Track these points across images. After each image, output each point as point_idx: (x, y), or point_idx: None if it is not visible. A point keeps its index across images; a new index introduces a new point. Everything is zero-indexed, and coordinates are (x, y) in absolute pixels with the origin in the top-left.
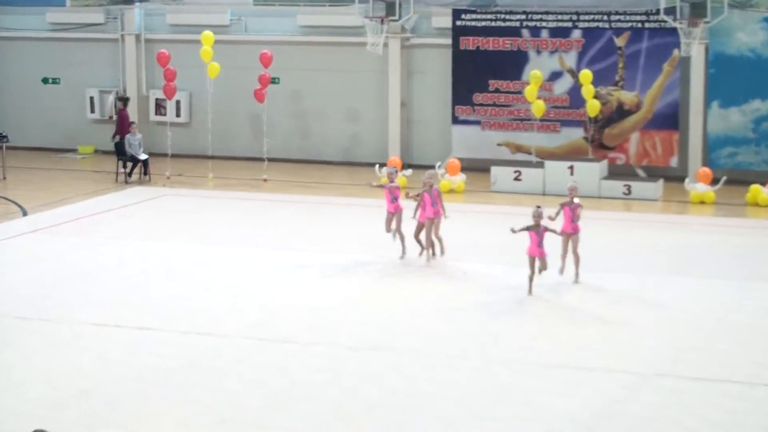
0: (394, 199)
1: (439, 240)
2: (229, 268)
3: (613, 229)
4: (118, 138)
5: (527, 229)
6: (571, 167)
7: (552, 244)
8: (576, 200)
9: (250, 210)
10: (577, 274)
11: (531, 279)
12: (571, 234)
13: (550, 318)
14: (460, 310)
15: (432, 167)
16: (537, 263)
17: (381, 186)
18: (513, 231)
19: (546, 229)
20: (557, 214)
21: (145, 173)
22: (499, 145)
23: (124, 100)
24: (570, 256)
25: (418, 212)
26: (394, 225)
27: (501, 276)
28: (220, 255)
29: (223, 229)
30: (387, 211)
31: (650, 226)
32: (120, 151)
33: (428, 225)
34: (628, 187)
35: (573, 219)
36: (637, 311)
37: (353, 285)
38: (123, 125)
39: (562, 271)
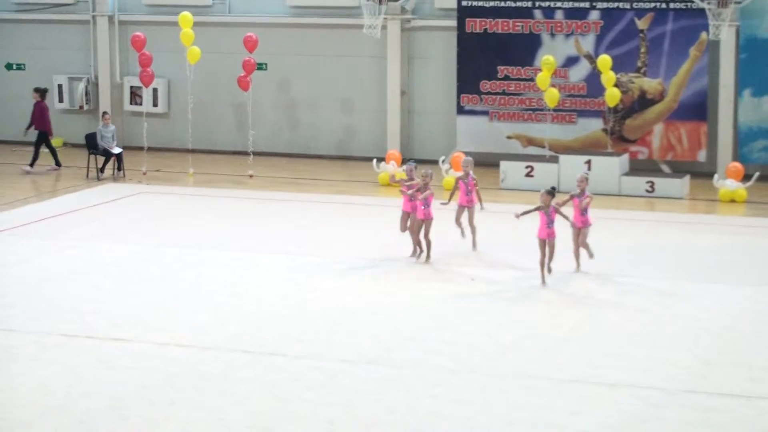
0: (422, 203)
1: (473, 231)
2: (211, 274)
3: (634, 230)
4: (28, 132)
5: (537, 209)
6: (589, 162)
7: (562, 242)
8: (586, 192)
9: (235, 209)
10: (578, 265)
11: (543, 265)
12: (581, 228)
13: (564, 328)
14: (466, 320)
15: (437, 161)
16: (547, 248)
17: (400, 182)
18: (517, 216)
19: (556, 210)
20: (564, 204)
21: (119, 169)
22: (508, 137)
23: (41, 92)
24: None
25: (451, 199)
26: (421, 233)
27: (510, 282)
28: (201, 259)
29: (204, 230)
30: (402, 210)
31: (675, 226)
32: (91, 145)
33: (427, 225)
34: (651, 184)
35: (582, 212)
36: (661, 320)
37: (348, 292)
38: (40, 118)
39: (578, 268)
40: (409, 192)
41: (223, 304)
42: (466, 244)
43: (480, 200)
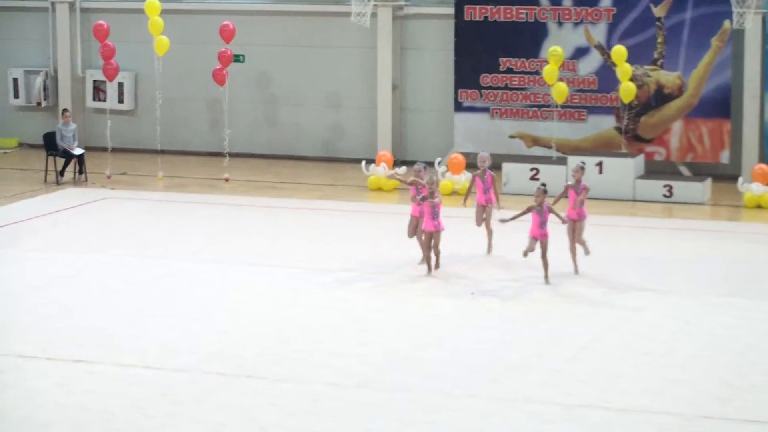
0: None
1: (489, 233)
2: (183, 287)
3: (650, 238)
4: None
5: (528, 210)
6: (600, 164)
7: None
8: (582, 182)
9: (209, 216)
10: (576, 267)
11: (526, 254)
12: (576, 220)
13: (572, 348)
14: (466, 338)
15: (432, 163)
16: (537, 246)
17: (394, 176)
18: (504, 221)
19: (550, 210)
20: (560, 197)
21: (81, 171)
22: (511, 137)
23: None
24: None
25: (468, 199)
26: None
27: (514, 298)
28: (172, 271)
29: (175, 239)
30: (411, 215)
31: (695, 235)
32: (50, 145)
33: (436, 237)
34: (669, 188)
35: (577, 204)
36: (679, 339)
37: (335, 307)
38: None
39: (576, 271)
40: (419, 198)
41: (197, 321)
42: (477, 250)
43: (497, 199)
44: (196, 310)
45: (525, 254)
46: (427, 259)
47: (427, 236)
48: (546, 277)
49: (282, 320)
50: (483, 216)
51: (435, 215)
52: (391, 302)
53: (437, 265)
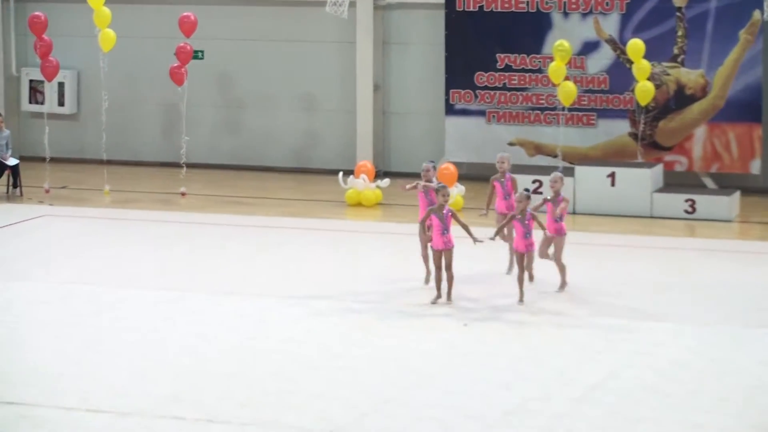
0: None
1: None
2: (132, 319)
3: (670, 262)
4: None
5: (511, 219)
6: (612, 175)
7: None
8: (561, 194)
9: (163, 236)
10: (563, 283)
11: (521, 281)
12: (554, 236)
13: (582, 388)
14: (458, 377)
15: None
16: (525, 260)
17: (415, 187)
18: (476, 241)
19: (534, 218)
20: (538, 209)
21: (15, 185)
22: (511, 144)
23: None
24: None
25: (489, 209)
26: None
27: (513, 329)
28: (120, 299)
29: (124, 263)
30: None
31: (723, 257)
32: None
33: (447, 256)
34: (692, 203)
35: (556, 218)
36: (703, 377)
37: (308, 342)
38: None
39: (531, 279)
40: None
41: (149, 358)
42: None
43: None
44: (148, 344)
45: (508, 272)
46: (437, 281)
47: (436, 256)
48: (521, 295)
49: (248, 357)
50: (505, 232)
51: (445, 230)
52: (373, 336)
53: (448, 295)
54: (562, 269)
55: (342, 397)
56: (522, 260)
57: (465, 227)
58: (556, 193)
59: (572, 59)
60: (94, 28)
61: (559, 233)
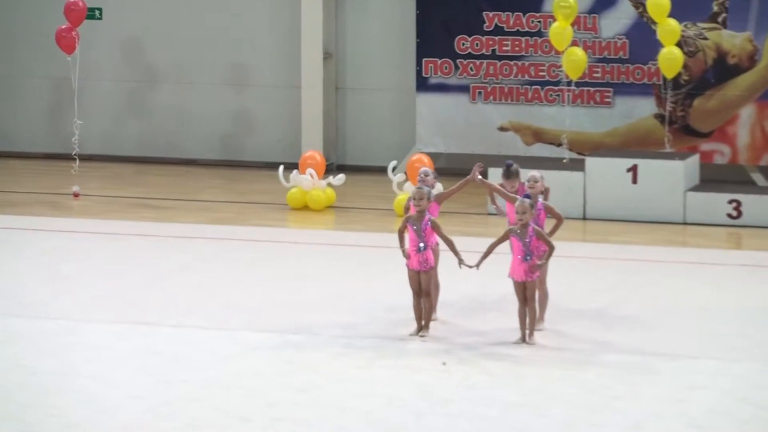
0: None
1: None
2: (14, 357)
3: (708, 281)
4: None
5: (505, 237)
6: (633, 169)
7: None
8: (540, 200)
9: (50, 250)
10: (540, 319)
11: (522, 317)
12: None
13: None
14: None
15: (384, 169)
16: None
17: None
18: (462, 263)
19: (537, 235)
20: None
21: None
22: (502, 128)
23: None
24: None
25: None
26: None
27: (505, 369)
28: None
29: (0, 286)
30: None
31: None
32: None
33: (425, 279)
34: (737, 206)
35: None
36: (750, 430)
37: (236, 388)
38: None
39: (541, 318)
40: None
41: (37, 406)
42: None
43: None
44: (33, 389)
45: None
46: (415, 309)
47: (411, 277)
48: (527, 335)
49: (160, 405)
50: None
51: (422, 246)
52: (322, 378)
53: (426, 326)
54: (542, 298)
55: None
56: (522, 291)
57: (449, 243)
58: (534, 197)
59: (581, 19)
60: None
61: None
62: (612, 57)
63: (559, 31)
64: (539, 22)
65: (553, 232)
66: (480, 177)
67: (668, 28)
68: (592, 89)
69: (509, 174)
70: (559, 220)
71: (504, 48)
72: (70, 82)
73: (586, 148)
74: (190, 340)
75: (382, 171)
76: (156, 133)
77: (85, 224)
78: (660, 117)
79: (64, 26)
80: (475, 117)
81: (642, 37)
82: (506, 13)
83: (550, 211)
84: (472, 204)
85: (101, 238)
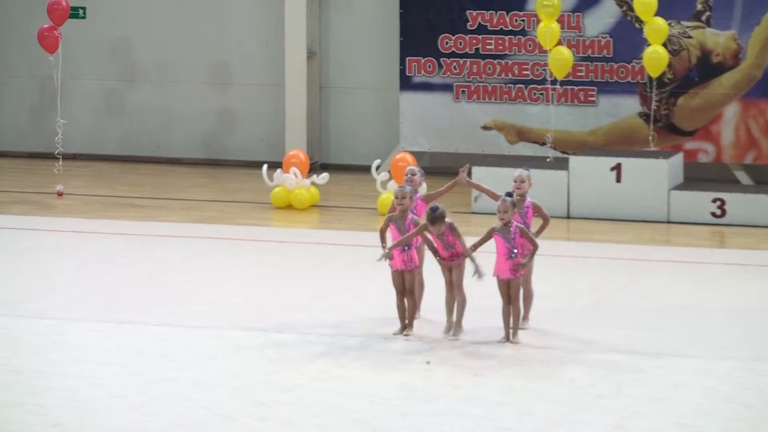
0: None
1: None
2: None
3: (693, 279)
4: None
5: (489, 236)
6: (617, 168)
7: None
8: (528, 199)
9: (34, 250)
10: (525, 318)
11: (505, 316)
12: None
13: None
14: None
15: (368, 168)
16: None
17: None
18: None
19: (521, 232)
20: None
21: None
22: (485, 128)
23: None
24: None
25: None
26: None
27: (490, 367)
28: None
29: None
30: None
31: (759, 273)
32: None
33: (409, 277)
34: (721, 204)
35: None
36: (735, 429)
37: (220, 387)
38: None
39: (525, 318)
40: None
41: (21, 405)
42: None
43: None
44: (18, 388)
45: (522, 318)
46: (399, 308)
47: (395, 277)
48: (511, 334)
49: (145, 404)
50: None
51: (405, 247)
52: (306, 377)
53: (410, 325)
54: (527, 297)
55: None
56: (506, 290)
57: (430, 245)
58: (522, 198)
59: (565, 18)
60: None
61: (524, 248)
62: (596, 56)
63: (544, 31)
64: (523, 20)
65: (539, 232)
66: (467, 178)
67: (655, 27)
68: (576, 88)
69: (434, 219)
70: (546, 221)
71: (487, 47)
72: (53, 81)
73: (570, 146)
74: (175, 339)
75: (365, 170)
76: (139, 132)
77: (69, 223)
78: (644, 116)
79: (46, 25)
80: (459, 116)
81: (626, 36)
82: (489, 11)
83: (538, 211)
84: (455, 203)
85: (85, 237)
